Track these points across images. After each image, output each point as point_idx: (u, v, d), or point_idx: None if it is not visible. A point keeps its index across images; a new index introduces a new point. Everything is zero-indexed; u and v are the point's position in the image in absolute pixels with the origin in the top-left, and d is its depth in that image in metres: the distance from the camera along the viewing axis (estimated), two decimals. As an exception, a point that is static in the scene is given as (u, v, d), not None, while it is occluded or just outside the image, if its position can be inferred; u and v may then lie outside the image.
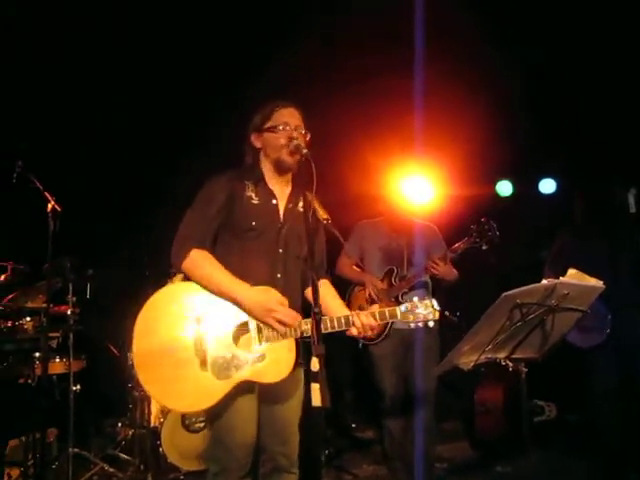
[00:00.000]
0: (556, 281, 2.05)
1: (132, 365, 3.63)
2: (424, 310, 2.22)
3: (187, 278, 2.31)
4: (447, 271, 3.61)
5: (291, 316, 2.23)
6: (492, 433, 4.40)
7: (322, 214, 2.24)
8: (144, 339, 2.23)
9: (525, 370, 2.26)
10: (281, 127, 2.38)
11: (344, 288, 3.95)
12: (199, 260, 2.28)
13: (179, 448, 3.84)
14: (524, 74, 5.02)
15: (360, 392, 5.34)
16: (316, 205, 2.27)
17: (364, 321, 2.24)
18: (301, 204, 2.44)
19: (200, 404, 2.24)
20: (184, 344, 2.23)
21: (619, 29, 4.60)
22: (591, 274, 3.66)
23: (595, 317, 3.62)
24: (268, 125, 2.41)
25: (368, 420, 5.11)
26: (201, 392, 2.22)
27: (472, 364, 2.13)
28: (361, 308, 3.70)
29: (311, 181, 2.16)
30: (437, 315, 2.22)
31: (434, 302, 2.24)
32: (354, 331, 2.27)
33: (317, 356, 1.94)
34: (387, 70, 4.80)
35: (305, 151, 2.24)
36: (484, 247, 3.49)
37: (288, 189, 2.47)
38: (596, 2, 4.51)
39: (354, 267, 3.90)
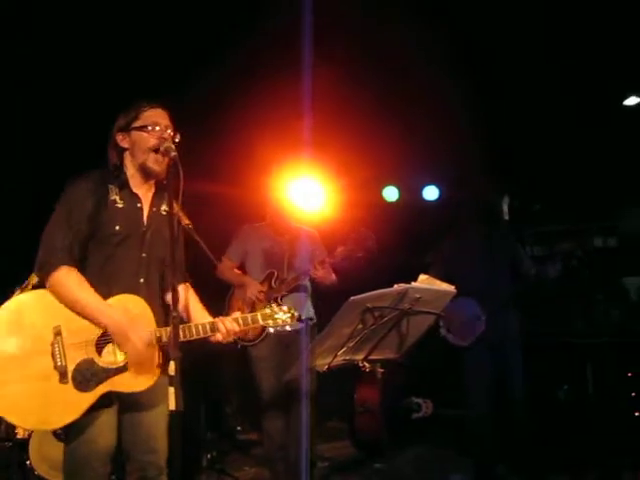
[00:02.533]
0: (407, 286, 2.16)
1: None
2: (283, 315, 2.31)
3: (39, 286, 2.22)
4: (325, 275, 3.71)
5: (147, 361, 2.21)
6: (371, 431, 4.54)
7: (184, 219, 2.25)
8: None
9: (381, 371, 2.36)
10: (150, 127, 2.32)
11: (225, 290, 3.96)
12: (65, 279, 2.18)
13: (49, 459, 3.65)
14: (411, 79, 5.17)
15: (247, 395, 5.34)
16: (179, 210, 2.25)
17: (228, 327, 2.26)
18: (164, 207, 2.41)
19: (63, 419, 2.14)
20: (41, 358, 2.12)
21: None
22: (470, 276, 3.91)
23: (470, 317, 3.85)
24: (137, 124, 2.33)
25: (254, 423, 5.13)
26: (63, 406, 2.13)
27: (326, 366, 2.21)
28: (240, 310, 3.73)
29: (178, 185, 2.14)
30: (295, 320, 2.32)
31: (292, 308, 2.33)
32: (219, 336, 2.28)
33: (174, 360, 1.94)
34: (277, 72, 4.82)
35: (174, 154, 2.20)
36: (360, 254, 3.63)
37: (151, 191, 2.42)
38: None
39: (235, 270, 3.92)
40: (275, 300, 3.65)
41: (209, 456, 4.44)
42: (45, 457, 3.65)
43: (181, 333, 2.19)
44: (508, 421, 4.00)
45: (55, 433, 3.66)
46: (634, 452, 4.00)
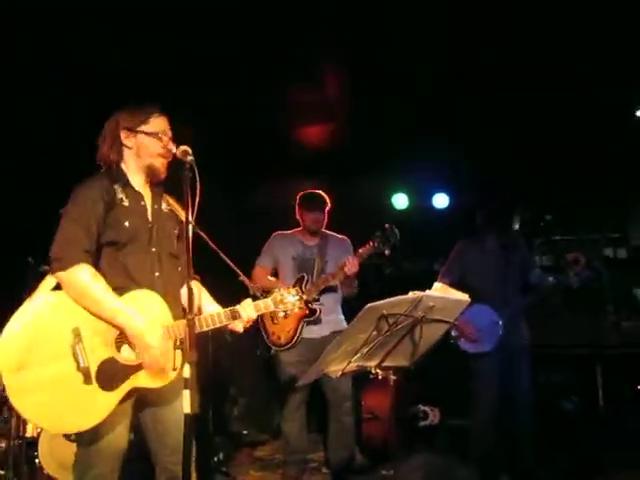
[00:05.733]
0: (422, 294, 2.17)
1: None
2: (292, 298, 2.41)
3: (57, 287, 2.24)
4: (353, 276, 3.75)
5: (164, 358, 2.22)
6: (378, 439, 4.53)
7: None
8: (15, 372, 2.09)
9: (394, 378, 2.37)
10: (160, 135, 2.39)
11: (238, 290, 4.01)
12: (81, 275, 2.19)
13: (58, 458, 3.66)
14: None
15: (254, 399, 5.36)
16: (179, 208, 2.40)
17: (249, 313, 2.35)
18: (165, 205, 2.49)
19: (92, 420, 2.15)
20: (63, 360, 2.14)
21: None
22: (485, 284, 3.91)
23: (487, 323, 3.87)
24: (146, 129, 2.39)
25: (260, 427, 5.15)
26: (90, 407, 2.14)
27: (340, 373, 2.22)
28: (273, 316, 3.79)
29: (195, 192, 2.16)
30: (302, 302, 2.43)
31: (300, 291, 2.44)
32: (239, 325, 2.36)
33: (189, 363, 1.95)
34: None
35: (190, 158, 2.21)
36: (387, 252, 3.65)
37: (150, 189, 2.49)
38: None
39: (269, 277, 4.00)
40: (307, 303, 3.70)
41: (215, 459, 4.45)
42: (54, 456, 3.66)
43: (203, 322, 2.29)
44: (514, 430, 3.99)
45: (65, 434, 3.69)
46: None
